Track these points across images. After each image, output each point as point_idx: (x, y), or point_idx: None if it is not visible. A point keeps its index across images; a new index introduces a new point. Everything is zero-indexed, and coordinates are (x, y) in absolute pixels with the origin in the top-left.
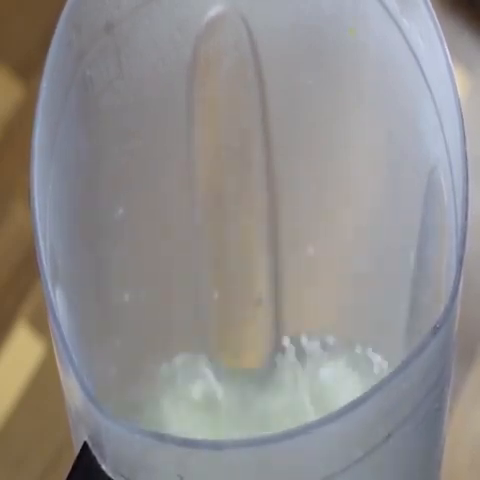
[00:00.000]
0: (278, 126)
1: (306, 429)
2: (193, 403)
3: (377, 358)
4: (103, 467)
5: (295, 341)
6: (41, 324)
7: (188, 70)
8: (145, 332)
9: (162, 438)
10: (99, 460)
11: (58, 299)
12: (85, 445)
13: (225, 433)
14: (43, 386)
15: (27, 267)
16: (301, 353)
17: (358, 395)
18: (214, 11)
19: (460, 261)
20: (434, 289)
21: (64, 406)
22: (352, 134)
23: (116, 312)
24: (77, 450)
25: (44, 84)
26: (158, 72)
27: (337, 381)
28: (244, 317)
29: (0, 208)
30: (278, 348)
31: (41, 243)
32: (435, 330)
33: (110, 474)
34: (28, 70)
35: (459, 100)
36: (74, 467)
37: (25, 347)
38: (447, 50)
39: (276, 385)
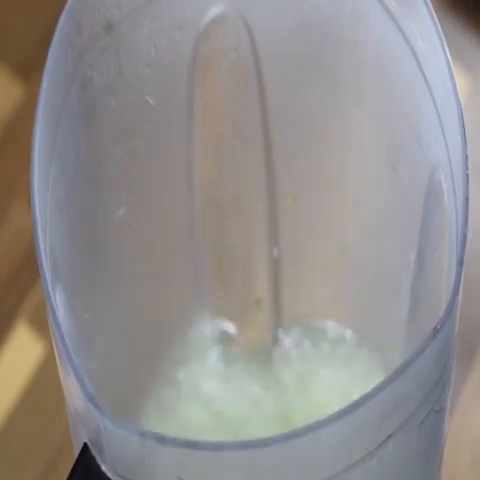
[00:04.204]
0: (278, 126)
1: (307, 430)
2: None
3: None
4: (103, 468)
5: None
6: (41, 324)
7: (188, 70)
8: (145, 332)
9: (162, 439)
10: (99, 461)
11: (58, 299)
12: (85, 446)
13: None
14: (43, 386)
15: (27, 267)
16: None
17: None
18: (214, 11)
19: (460, 262)
20: (434, 290)
21: (64, 406)
22: (352, 134)
23: (116, 312)
24: (77, 451)
25: (44, 84)
26: (158, 72)
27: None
28: (244, 316)
29: (0, 208)
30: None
31: (41, 243)
32: (435, 331)
33: (110, 475)
34: (28, 70)
35: (459, 100)
36: (74, 468)
37: (25, 347)
38: (447, 50)
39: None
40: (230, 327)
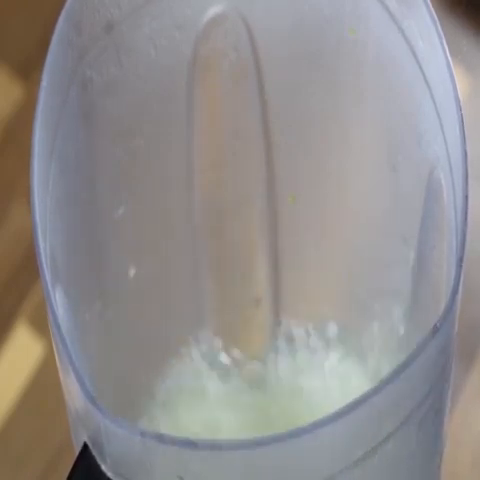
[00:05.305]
0: (278, 126)
1: (306, 430)
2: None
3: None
4: (103, 467)
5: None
6: (41, 324)
7: (188, 70)
8: (146, 331)
9: (162, 439)
10: (99, 460)
11: (58, 299)
12: (85, 445)
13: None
14: (43, 386)
15: (27, 267)
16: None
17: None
18: (214, 11)
19: (460, 261)
20: (434, 289)
21: (64, 406)
22: (352, 134)
23: (116, 311)
24: (77, 450)
25: (44, 84)
26: (158, 72)
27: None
28: (244, 316)
29: (0, 208)
30: (276, 343)
31: (41, 243)
32: (435, 330)
33: (110, 474)
34: (28, 70)
35: (459, 100)
36: (74, 467)
37: (25, 347)
38: (447, 50)
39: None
40: (227, 340)
